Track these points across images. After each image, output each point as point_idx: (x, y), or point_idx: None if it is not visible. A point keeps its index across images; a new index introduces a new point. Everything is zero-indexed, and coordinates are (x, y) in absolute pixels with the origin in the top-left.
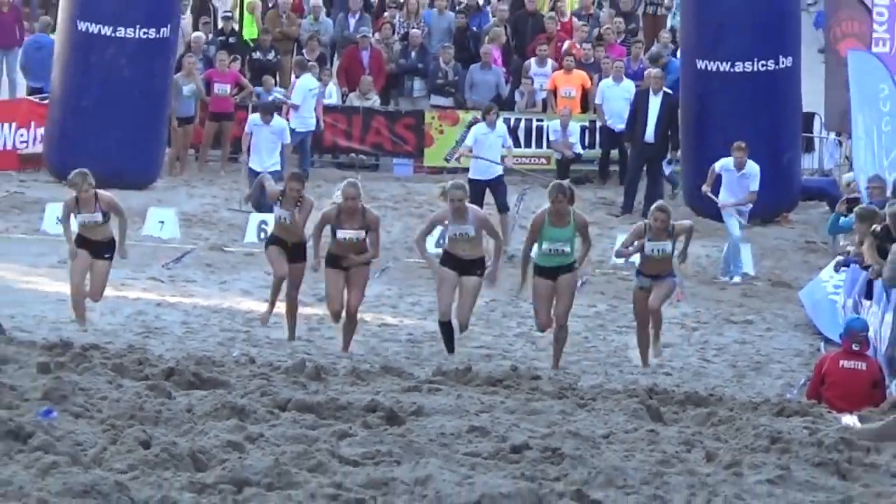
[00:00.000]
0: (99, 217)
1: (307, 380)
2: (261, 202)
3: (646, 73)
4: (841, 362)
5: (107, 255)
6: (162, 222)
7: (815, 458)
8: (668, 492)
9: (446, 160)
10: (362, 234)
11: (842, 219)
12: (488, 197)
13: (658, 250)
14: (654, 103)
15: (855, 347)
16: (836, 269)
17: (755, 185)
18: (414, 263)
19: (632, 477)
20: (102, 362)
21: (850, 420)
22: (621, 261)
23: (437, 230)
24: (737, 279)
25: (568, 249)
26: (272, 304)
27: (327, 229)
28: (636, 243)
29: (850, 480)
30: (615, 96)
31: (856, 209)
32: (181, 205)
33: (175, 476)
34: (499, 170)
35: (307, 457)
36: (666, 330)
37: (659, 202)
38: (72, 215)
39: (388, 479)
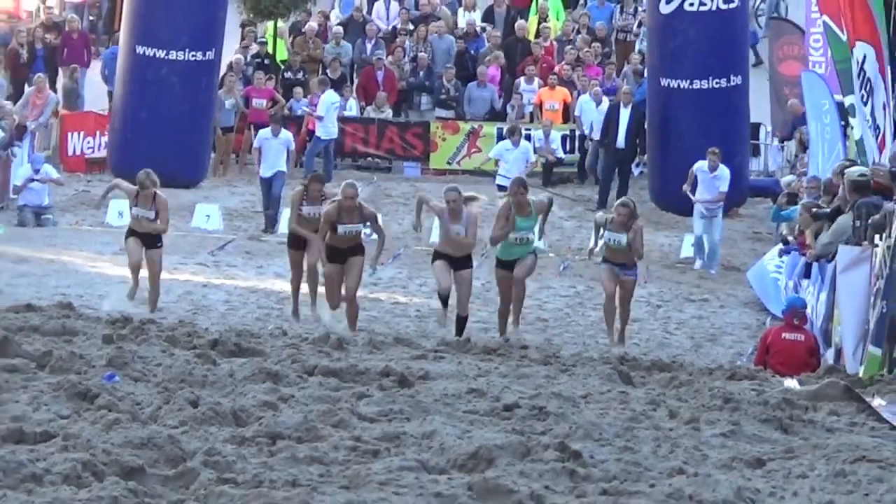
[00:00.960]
0: (152, 214)
1: (331, 349)
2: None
3: (618, 89)
4: (783, 334)
5: (159, 244)
6: (208, 216)
7: (762, 416)
8: (637, 444)
9: (448, 163)
10: (360, 226)
11: (782, 210)
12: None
13: (614, 240)
14: (625, 115)
15: (796, 322)
16: (780, 255)
17: (724, 186)
18: (422, 251)
19: (606, 431)
20: (157, 334)
21: (791, 383)
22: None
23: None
24: (713, 272)
25: (532, 237)
26: (295, 299)
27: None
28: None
29: (791, 434)
30: (591, 110)
31: (802, 202)
32: (224, 201)
33: (219, 430)
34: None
35: (331, 414)
36: (635, 307)
37: (624, 198)
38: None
39: (399, 433)
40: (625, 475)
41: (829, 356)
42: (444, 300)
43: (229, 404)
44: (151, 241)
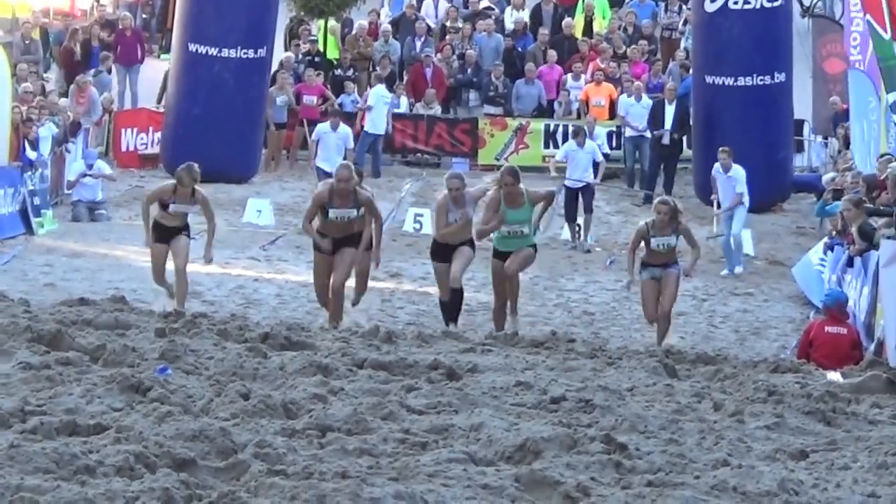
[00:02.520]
0: (196, 208)
1: (380, 343)
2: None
3: (664, 86)
4: (826, 328)
5: (186, 234)
6: (259, 211)
7: (805, 408)
8: (682, 436)
9: (496, 159)
10: (353, 212)
11: (826, 206)
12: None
13: (663, 245)
14: (669, 111)
15: (839, 314)
16: (825, 251)
17: (741, 187)
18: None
19: (652, 423)
20: (209, 328)
21: (834, 376)
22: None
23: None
24: (738, 269)
25: (526, 231)
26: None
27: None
28: (639, 248)
29: (834, 426)
30: (634, 108)
31: (847, 197)
32: (275, 196)
33: (270, 423)
34: (588, 179)
35: (380, 407)
36: (680, 301)
37: (662, 196)
38: (156, 205)
39: (447, 425)
40: (670, 467)
41: (871, 349)
42: (455, 296)
43: (280, 397)
44: (180, 231)
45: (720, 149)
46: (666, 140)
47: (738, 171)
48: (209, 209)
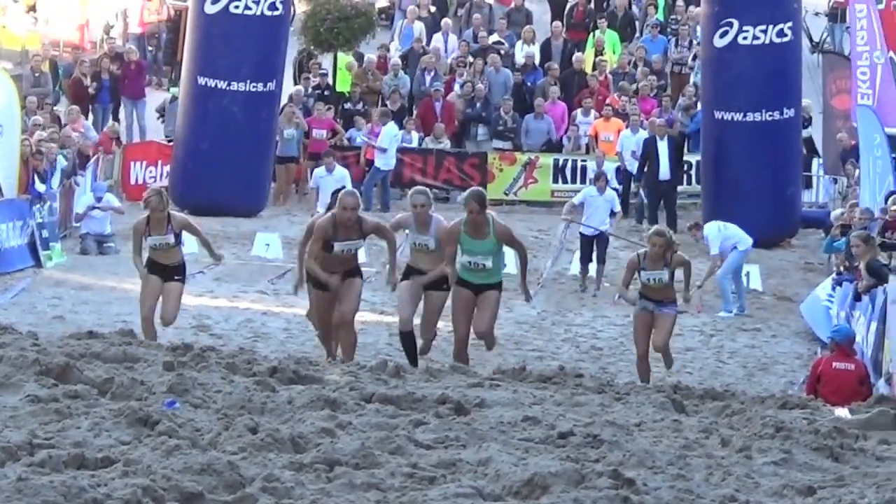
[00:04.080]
0: (171, 239)
1: (388, 377)
2: None
3: (649, 122)
4: (833, 364)
5: (177, 278)
6: (268, 245)
7: (813, 444)
8: (689, 471)
9: (505, 193)
10: (361, 242)
11: (834, 242)
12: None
13: (654, 279)
14: (663, 146)
15: (846, 351)
16: (833, 288)
17: (714, 249)
18: None
19: (660, 459)
20: (217, 361)
21: (842, 412)
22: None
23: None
24: (723, 314)
25: (489, 265)
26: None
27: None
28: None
29: (842, 463)
30: (630, 144)
31: (856, 233)
32: (284, 230)
33: (278, 457)
34: (604, 228)
35: (388, 441)
36: (688, 336)
37: (657, 227)
38: (142, 239)
39: (455, 460)
40: (677, 502)
41: (881, 386)
42: (408, 341)
43: (288, 431)
44: (171, 272)
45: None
46: (664, 176)
47: (710, 233)
48: (191, 226)
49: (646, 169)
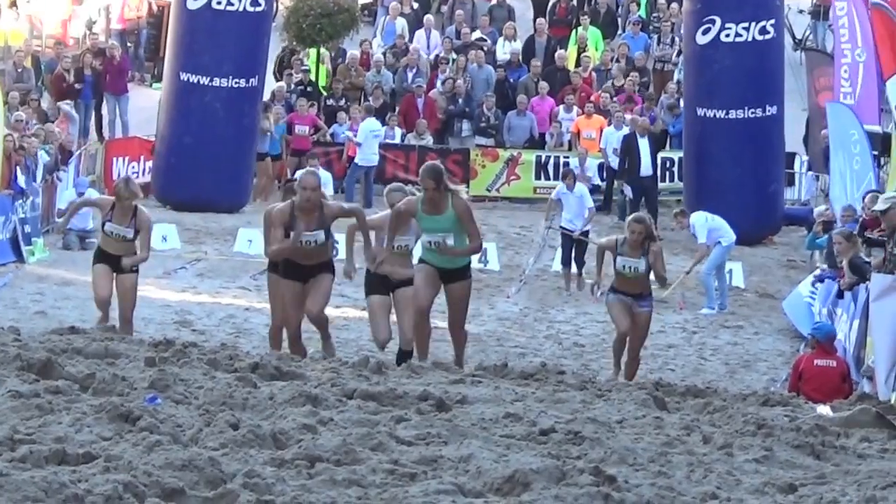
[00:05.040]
0: (130, 233)
1: (370, 373)
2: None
3: (630, 119)
4: (815, 361)
5: (133, 269)
6: (250, 241)
7: (795, 441)
8: (671, 469)
9: (487, 190)
10: (320, 234)
11: (817, 239)
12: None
13: (630, 267)
14: (644, 144)
15: (827, 347)
16: (813, 284)
17: (701, 237)
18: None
19: (641, 456)
20: (199, 357)
21: (823, 409)
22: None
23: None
24: (705, 311)
25: (451, 242)
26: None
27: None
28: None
29: (823, 460)
30: (612, 137)
31: (838, 230)
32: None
33: (259, 453)
34: (578, 225)
35: (370, 437)
36: (670, 333)
37: (637, 213)
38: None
39: (437, 456)
40: (659, 500)
41: (865, 384)
42: (401, 357)
43: (269, 427)
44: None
45: (674, 213)
46: (646, 172)
47: (696, 221)
48: (145, 238)
49: (626, 166)
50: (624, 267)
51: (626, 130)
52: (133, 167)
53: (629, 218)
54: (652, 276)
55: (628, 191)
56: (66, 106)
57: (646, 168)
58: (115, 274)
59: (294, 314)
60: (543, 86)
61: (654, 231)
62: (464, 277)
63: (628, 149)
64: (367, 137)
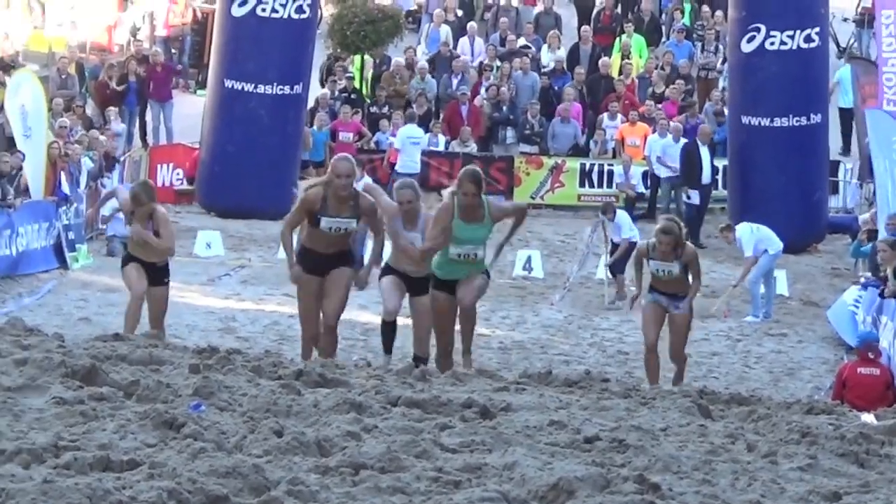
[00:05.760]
0: (151, 234)
1: (414, 381)
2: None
3: (700, 128)
4: (858, 369)
5: (165, 280)
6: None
7: (839, 450)
8: (715, 476)
9: (532, 197)
10: (352, 222)
11: (861, 247)
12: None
13: (664, 271)
14: (705, 152)
15: (871, 356)
16: (863, 287)
17: (748, 251)
18: (505, 283)
19: (685, 464)
20: (243, 364)
21: (868, 418)
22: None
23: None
24: (749, 318)
25: (481, 254)
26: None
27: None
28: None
29: (867, 469)
30: (657, 145)
31: (882, 239)
32: None
33: (303, 460)
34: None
35: (414, 445)
36: (714, 341)
37: (665, 224)
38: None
39: (481, 464)
40: None
41: None
42: (389, 330)
43: (313, 434)
44: (156, 275)
45: (720, 228)
46: (706, 180)
47: (742, 234)
48: (167, 232)
49: (687, 173)
50: (658, 270)
51: (670, 138)
52: (177, 174)
53: (657, 228)
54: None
55: (695, 196)
56: (114, 121)
57: (707, 176)
58: (148, 287)
59: (313, 312)
60: (569, 92)
61: (683, 239)
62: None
63: (690, 157)
64: (405, 144)
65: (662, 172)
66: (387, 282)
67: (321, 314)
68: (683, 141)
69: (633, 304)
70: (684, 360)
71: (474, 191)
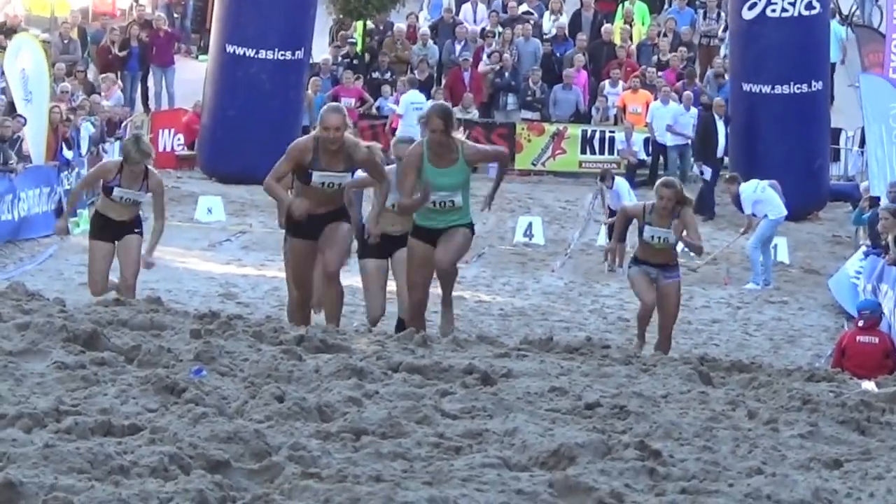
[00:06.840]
0: (142, 196)
1: (415, 346)
2: None
3: (715, 101)
4: (858, 337)
5: (137, 231)
6: None
7: (840, 417)
8: (716, 443)
9: (533, 164)
10: (346, 176)
11: (863, 215)
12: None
13: (658, 238)
14: (720, 125)
15: (861, 323)
16: (865, 256)
17: (747, 208)
18: (505, 250)
19: (686, 431)
20: (244, 330)
21: (869, 385)
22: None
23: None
24: (750, 286)
25: (459, 201)
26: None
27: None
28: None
29: (868, 436)
30: (661, 115)
31: (884, 206)
32: None
33: (304, 425)
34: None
35: (415, 411)
36: (714, 308)
37: (666, 178)
38: (99, 182)
39: (482, 430)
40: (704, 474)
41: None
42: (374, 324)
43: (314, 400)
44: (129, 226)
45: (725, 178)
46: (720, 153)
47: (745, 191)
48: (161, 202)
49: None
50: (652, 237)
51: (673, 105)
52: (178, 139)
53: (658, 182)
54: (681, 246)
55: (707, 172)
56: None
57: (722, 149)
58: (115, 242)
59: (307, 278)
60: (579, 58)
61: (685, 195)
62: (465, 227)
63: (706, 130)
64: (407, 110)
65: (669, 140)
66: (369, 274)
67: (322, 264)
68: (694, 110)
69: (609, 258)
70: (670, 342)
71: (442, 127)
